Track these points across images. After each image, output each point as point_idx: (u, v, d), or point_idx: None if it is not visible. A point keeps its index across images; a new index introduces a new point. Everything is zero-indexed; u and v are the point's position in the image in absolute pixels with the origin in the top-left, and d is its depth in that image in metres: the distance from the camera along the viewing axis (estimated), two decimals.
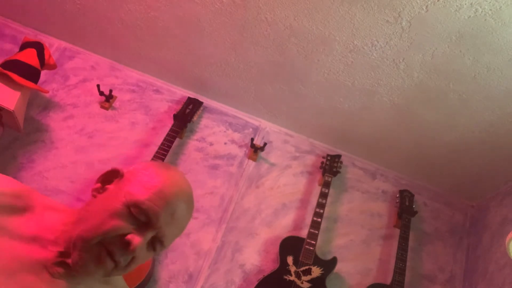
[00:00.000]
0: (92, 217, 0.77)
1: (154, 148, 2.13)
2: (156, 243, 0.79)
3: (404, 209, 2.22)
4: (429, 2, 1.50)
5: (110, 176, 0.85)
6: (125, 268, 0.77)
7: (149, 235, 0.76)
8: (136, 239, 0.74)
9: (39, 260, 0.76)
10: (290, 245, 2.03)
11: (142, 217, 0.75)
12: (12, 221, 0.78)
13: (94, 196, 0.82)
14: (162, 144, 2.09)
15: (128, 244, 0.74)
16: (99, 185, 0.84)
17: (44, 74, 2.25)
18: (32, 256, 0.76)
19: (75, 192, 2.08)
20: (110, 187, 0.82)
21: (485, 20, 1.50)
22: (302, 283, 1.91)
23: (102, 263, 0.74)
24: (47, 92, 2.07)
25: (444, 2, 1.49)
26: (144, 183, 0.79)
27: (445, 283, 2.19)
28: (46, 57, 2.05)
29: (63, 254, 0.77)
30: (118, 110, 2.32)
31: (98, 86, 2.22)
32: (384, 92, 1.95)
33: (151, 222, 0.76)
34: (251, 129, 2.42)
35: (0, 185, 0.81)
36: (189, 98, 2.33)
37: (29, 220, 0.79)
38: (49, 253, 0.77)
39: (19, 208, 0.80)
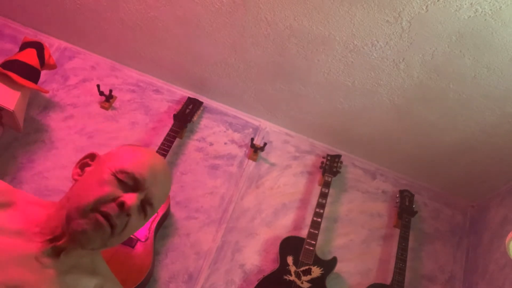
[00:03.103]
0: (81, 191, 0.82)
1: (154, 148, 2.13)
2: (146, 206, 0.84)
3: (404, 209, 2.22)
4: (429, 2, 1.50)
5: (88, 160, 0.90)
6: (121, 233, 0.81)
7: (140, 196, 0.82)
8: (129, 199, 0.79)
9: (27, 253, 0.77)
10: (290, 245, 2.03)
11: (129, 181, 0.81)
12: None
13: (76, 180, 0.87)
14: (162, 144, 2.09)
15: (122, 204, 0.78)
16: (79, 170, 0.89)
17: (44, 74, 2.25)
18: (18, 249, 0.77)
19: None
20: (90, 168, 0.87)
21: (485, 20, 1.50)
22: (302, 283, 1.91)
23: (100, 227, 0.78)
24: (47, 92, 2.07)
25: (444, 2, 1.49)
26: (124, 157, 0.85)
27: (445, 283, 2.19)
28: (46, 57, 2.05)
29: (52, 240, 0.80)
30: (118, 110, 2.32)
31: (98, 86, 2.22)
32: (384, 92, 1.95)
33: (139, 184, 0.82)
34: (251, 129, 2.42)
35: None
36: (189, 98, 2.33)
37: (13, 215, 0.81)
38: (36, 244, 0.79)
39: (1, 204, 0.82)
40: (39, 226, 0.81)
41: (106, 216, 0.78)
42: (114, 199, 0.79)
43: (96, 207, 0.78)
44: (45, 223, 0.82)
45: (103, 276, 0.88)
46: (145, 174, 0.83)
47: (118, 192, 0.80)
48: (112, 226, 0.78)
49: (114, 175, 0.81)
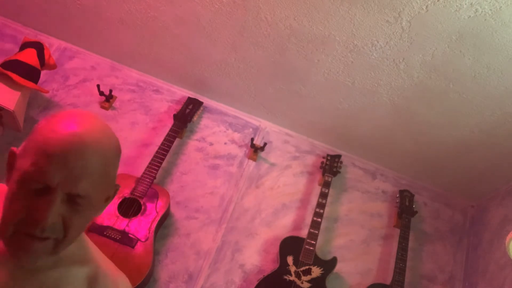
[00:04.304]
0: (3, 208, 0.71)
1: (154, 148, 2.13)
2: (75, 199, 0.69)
3: (404, 209, 2.22)
4: (429, 2, 1.50)
5: (11, 161, 0.74)
6: (66, 237, 0.70)
7: (56, 197, 0.67)
8: (40, 211, 0.66)
9: (6, 253, 0.72)
10: (290, 245, 2.03)
11: (35, 185, 0.67)
12: None
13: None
14: (162, 144, 2.09)
15: (36, 219, 0.66)
16: (7, 175, 0.74)
17: (44, 74, 2.25)
18: None
19: None
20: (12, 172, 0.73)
21: (485, 20, 1.50)
22: (302, 283, 1.91)
23: (31, 248, 0.68)
24: (47, 92, 2.07)
25: (444, 2, 1.49)
26: (28, 150, 0.69)
27: (445, 283, 2.19)
28: (46, 57, 2.05)
29: None
30: (118, 110, 2.32)
31: (98, 86, 2.22)
32: (384, 92, 1.95)
33: (46, 184, 0.67)
34: (251, 129, 2.42)
35: None
36: (189, 98, 2.33)
37: None
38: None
39: None
40: None
41: (31, 235, 0.67)
42: (30, 213, 0.67)
43: (16, 229, 0.67)
44: None
45: (95, 262, 0.82)
46: (48, 169, 0.66)
47: (27, 203, 0.67)
48: (45, 239, 0.68)
49: (20, 183, 0.67)
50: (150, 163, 2.01)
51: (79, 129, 0.69)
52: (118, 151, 0.78)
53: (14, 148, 0.74)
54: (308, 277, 1.93)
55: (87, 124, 0.71)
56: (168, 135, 2.13)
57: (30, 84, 1.93)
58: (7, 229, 0.68)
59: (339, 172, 2.28)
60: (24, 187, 0.67)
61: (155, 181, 2.01)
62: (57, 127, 0.69)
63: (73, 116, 0.71)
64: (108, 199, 0.79)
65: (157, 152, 2.06)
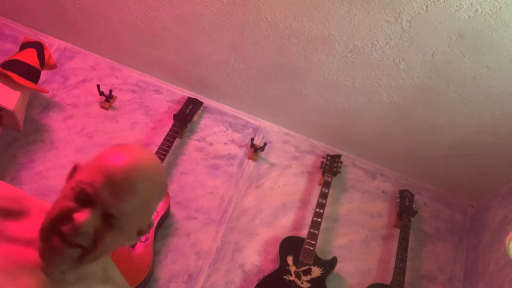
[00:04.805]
0: None
1: (154, 148, 2.13)
2: (110, 219, 0.75)
3: (404, 209, 2.22)
4: (429, 2, 1.50)
5: (73, 171, 0.84)
6: (94, 250, 0.75)
7: (96, 211, 0.74)
8: (80, 214, 0.72)
9: (36, 263, 0.77)
10: (290, 245, 2.03)
11: (82, 194, 0.74)
12: (8, 225, 0.79)
13: None
14: (162, 144, 2.09)
15: (73, 220, 0.72)
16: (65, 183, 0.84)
17: (44, 74, 2.25)
18: (29, 259, 0.77)
19: None
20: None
21: (485, 20, 1.50)
22: (302, 283, 1.91)
23: (60, 251, 0.73)
24: (47, 92, 2.07)
25: (444, 2, 1.49)
26: (88, 166, 0.79)
27: (445, 283, 2.19)
28: (46, 57, 2.05)
29: None
30: (118, 110, 2.32)
31: (98, 86, 2.22)
32: (384, 92, 1.95)
33: (90, 196, 0.74)
34: (251, 129, 2.42)
35: None
36: (189, 98, 2.33)
37: (26, 224, 0.80)
38: None
39: (15, 212, 0.82)
40: None
41: (62, 234, 0.73)
42: (69, 216, 0.73)
43: (53, 224, 0.74)
44: None
45: (114, 284, 0.87)
46: (98, 185, 0.74)
47: (71, 206, 0.74)
48: (73, 246, 0.74)
49: (73, 189, 0.76)
50: None
51: (137, 160, 0.78)
52: (163, 191, 0.85)
53: (79, 162, 0.84)
54: (308, 277, 1.93)
55: (145, 159, 0.80)
56: (168, 135, 2.13)
57: (30, 84, 1.93)
58: (47, 223, 0.75)
59: (339, 172, 2.28)
60: (74, 193, 0.75)
61: None
62: (119, 153, 0.78)
63: (135, 148, 0.82)
64: (140, 233, 0.84)
65: (157, 152, 2.06)
